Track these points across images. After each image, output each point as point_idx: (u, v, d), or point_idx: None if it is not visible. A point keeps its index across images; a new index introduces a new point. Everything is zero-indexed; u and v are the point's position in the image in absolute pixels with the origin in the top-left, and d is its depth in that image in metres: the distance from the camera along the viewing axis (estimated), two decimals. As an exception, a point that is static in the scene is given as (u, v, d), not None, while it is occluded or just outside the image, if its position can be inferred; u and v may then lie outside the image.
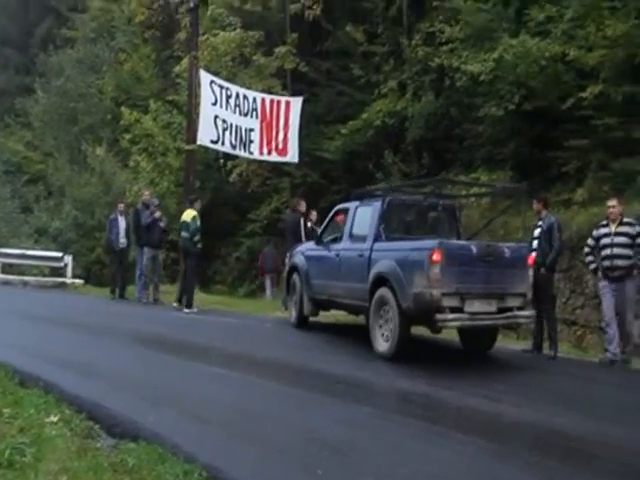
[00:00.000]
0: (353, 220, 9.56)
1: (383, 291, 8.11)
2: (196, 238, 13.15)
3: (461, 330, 8.68)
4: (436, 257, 7.39)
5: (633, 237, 8.43)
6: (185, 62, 19.32)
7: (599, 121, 11.62)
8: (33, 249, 19.79)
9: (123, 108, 22.73)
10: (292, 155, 16.87)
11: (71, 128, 26.83)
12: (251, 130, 16.40)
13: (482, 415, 5.94)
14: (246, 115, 16.39)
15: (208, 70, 17.27)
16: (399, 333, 7.84)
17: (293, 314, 10.97)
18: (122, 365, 7.52)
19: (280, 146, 16.64)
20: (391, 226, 9.03)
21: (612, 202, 8.65)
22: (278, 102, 17.00)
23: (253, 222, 19.71)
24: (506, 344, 9.95)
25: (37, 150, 28.38)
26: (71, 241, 21.08)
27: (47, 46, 30.99)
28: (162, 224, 14.38)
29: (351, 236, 9.48)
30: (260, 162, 18.76)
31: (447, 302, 7.49)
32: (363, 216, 9.32)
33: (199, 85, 16.15)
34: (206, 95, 15.72)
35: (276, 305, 13.90)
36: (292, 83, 20.21)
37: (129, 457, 4.45)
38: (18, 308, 12.48)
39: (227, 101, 16.15)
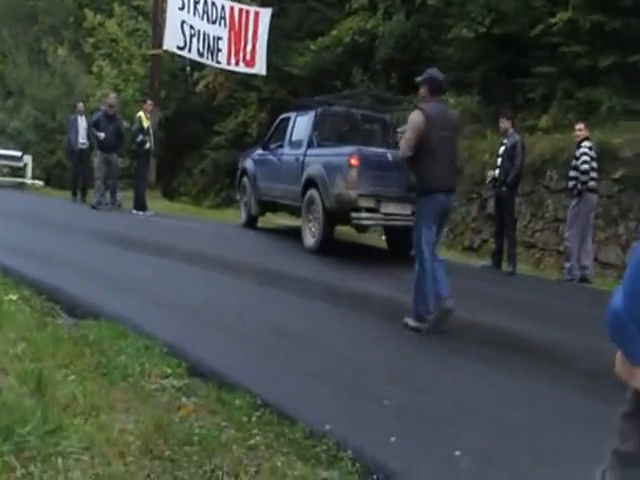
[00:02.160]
0: (293, 128, 10.28)
1: (312, 192, 8.98)
2: (138, 139, 13.02)
3: (387, 233, 9.84)
4: (354, 162, 8.25)
5: (577, 158, 8.62)
6: (152, -36, 18.50)
7: (567, 48, 11.62)
8: (-10, 147, 18.92)
9: (86, 10, 21.81)
10: (260, 67, 16.54)
11: (31, 27, 25.71)
12: (219, 39, 15.99)
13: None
14: (214, 23, 15.94)
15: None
16: (323, 230, 8.80)
17: (243, 215, 11.79)
18: (83, 257, 7.56)
19: (248, 57, 16.29)
20: (324, 134, 9.79)
21: (578, 126, 8.78)
22: (247, 12, 16.55)
23: (219, 134, 19.39)
24: (467, 262, 10.19)
25: (-6, 49, 27.13)
26: (31, 142, 20.28)
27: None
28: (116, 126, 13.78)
29: (290, 142, 10.25)
30: (227, 74, 18.35)
31: (364, 203, 8.35)
32: (300, 124, 10.07)
33: (166, -11, 15.60)
34: (173, -1, 15.21)
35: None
36: (262, -4, 19.60)
37: (90, 332, 4.51)
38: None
39: (195, 7, 15.65)
